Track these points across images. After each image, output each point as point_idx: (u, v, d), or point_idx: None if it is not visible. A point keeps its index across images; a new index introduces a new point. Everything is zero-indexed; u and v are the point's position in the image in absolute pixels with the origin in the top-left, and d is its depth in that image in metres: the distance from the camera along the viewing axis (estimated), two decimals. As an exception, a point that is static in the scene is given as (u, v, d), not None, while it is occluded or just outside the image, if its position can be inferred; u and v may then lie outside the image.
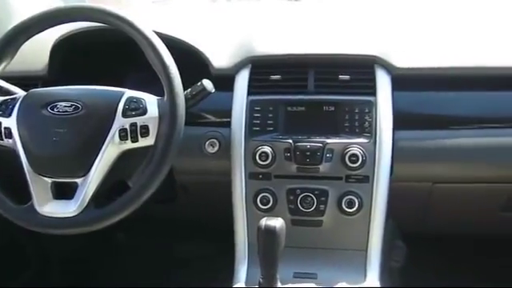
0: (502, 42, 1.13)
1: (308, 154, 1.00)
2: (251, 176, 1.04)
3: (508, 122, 1.06)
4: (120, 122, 0.92)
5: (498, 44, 1.12)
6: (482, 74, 1.07)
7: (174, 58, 0.95)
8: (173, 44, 1.01)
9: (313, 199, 1.01)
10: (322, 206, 1.01)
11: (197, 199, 1.23)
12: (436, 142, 1.06)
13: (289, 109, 1.04)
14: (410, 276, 1.32)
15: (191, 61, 1.10)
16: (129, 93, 0.95)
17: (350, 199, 1.00)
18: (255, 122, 1.04)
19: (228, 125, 1.07)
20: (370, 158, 1.00)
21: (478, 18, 1.27)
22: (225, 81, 1.09)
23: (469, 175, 1.08)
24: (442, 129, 1.06)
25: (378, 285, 0.98)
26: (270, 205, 1.02)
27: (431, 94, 1.09)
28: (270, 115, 1.04)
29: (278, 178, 1.03)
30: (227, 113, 1.08)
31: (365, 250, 1.02)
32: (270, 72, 1.07)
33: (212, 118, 1.13)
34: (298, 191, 1.02)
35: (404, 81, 1.06)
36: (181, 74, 0.95)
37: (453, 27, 1.21)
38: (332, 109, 1.03)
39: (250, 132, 1.04)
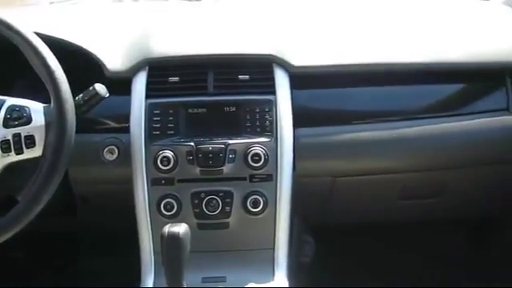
0: (397, 39, 1.18)
1: (210, 156, 0.99)
2: (153, 182, 1.00)
3: (402, 114, 1.12)
4: (1, 133, 0.85)
5: (392, 40, 1.17)
6: (378, 70, 1.11)
7: (64, 62, 0.89)
8: (61, 46, 0.94)
9: (218, 201, 1.00)
10: (227, 208, 1.00)
11: (99, 210, 1.17)
12: (336, 137, 1.09)
13: (189, 111, 1.02)
14: (321, 270, 1.36)
15: (84, 64, 1.04)
16: (10, 101, 0.88)
17: (255, 199, 1.00)
18: (155, 126, 1.01)
19: (127, 130, 1.02)
20: (273, 156, 1.00)
21: (374, 16, 1.32)
22: (121, 84, 1.04)
23: (367, 168, 1.13)
24: (341, 124, 1.10)
25: (286, 283, 1.00)
26: (174, 211, 0.99)
27: (329, 91, 1.13)
28: (171, 118, 1.01)
29: (182, 182, 1.00)
30: (125, 118, 1.03)
31: (272, 248, 1.02)
32: (169, 74, 1.04)
33: (110, 124, 1.08)
34: (203, 194, 1.00)
35: (302, 79, 1.08)
36: (74, 78, 0.89)
37: (349, 25, 1.25)
38: (233, 109, 1.03)
39: (150, 137, 1.00)
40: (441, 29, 1.22)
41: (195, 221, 1.00)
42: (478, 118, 1.12)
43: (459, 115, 1.13)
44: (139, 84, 1.04)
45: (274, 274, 1.01)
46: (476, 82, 1.17)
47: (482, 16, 1.26)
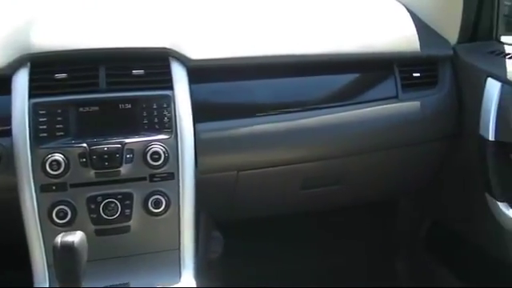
0: (295, 31, 1.18)
1: (106, 157, 0.93)
2: (43, 188, 0.92)
3: (301, 105, 1.13)
4: None
5: (290, 32, 1.17)
6: (277, 62, 1.12)
7: None
8: None
9: (116, 205, 0.94)
10: (127, 211, 0.95)
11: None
12: (238, 130, 1.08)
13: (80, 110, 0.95)
14: (231, 264, 1.36)
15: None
16: None
17: (157, 199, 0.96)
18: (41, 127, 0.92)
19: (9, 133, 0.93)
20: (173, 153, 0.97)
21: (273, 8, 1.32)
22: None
23: (270, 160, 1.13)
24: (244, 117, 1.09)
25: (193, 282, 0.97)
26: (68, 218, 0.92)
27: (229, 84, 1.11)
28: (59, 118, 0.93)
29: (75, 187, 0.93)
30: (6, 120, 0.93)
31: (178, 248, 0.99)
32: (55, 70, 0.96)
33: None
34: (100, 198, 0.93)
35: (201, 72, 1.05)
36: None
37: (247, 17, 1.23)
38: (128, 106, 0.97)
39: (36, 139, 0.92)
40: (336, 22, 1.26)
41: (93, 227, 0.94)
42: (372, 106, 1.17)
43: (354, 104, 1.17)
44: (20, 82, 0.95)
45: (180, 275, 0.98)
46: (369, 72, 1.22)
47: (375, 10, 1.32)
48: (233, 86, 1.11)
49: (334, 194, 1.29)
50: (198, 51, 1.05)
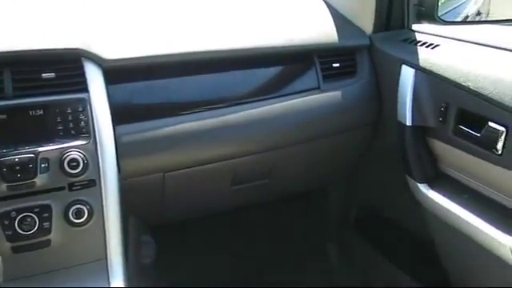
0: (217, 26, 1.17)
1: (18, 168, 0.86)
2: None
3: (226, 101, 1.12)
4: None
5: (212, 28, 1.16)
6: (198, 59, 1.09)
7: None
8: None
9: (34, 218, 0.88)
10: (46, 224, 0.89)
11: None
12: (161, 131, 1.05)
13: None
14: (165, 268, 1.33)
15: None
16: None
17: (78, 209, 0.91)
18: None
19: None
20: (93, 159, 0.92)
21: (194, 4, 1.29)
22: None
23: (197, 159, 1.11)
24: (166, 117, 1.06)
25: None
26: None
27: (150, 83, 1.07)
28: None
29: None
30: None
31: (105, 258, 0.94)
32: None
33: None
34: (14, 213, 0.87)
35: (118, 73, 1.01)
36: None
37: (165, 13, 1.20)
38: (40, 112, 0.91)
39: None
40: (256, 16, 1.25)
41: (8, 244, 0.87)
42: (295, 98, 1.18)
43: (278, 97, 1.17)
44: None
45: (109, 284, 0.93)
46: (290, 65, 1.23)
47: (293, 4, 1.33)
48: (153, 86, 1.07)
49: (265, 187, 1.29)
50: (113, 51, 1.01)
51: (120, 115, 0.99)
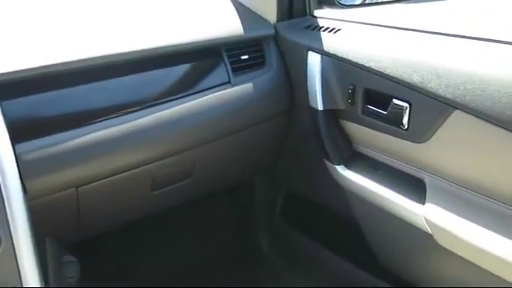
0: (115, 28, 1.12)
1: None
2: None
3: (137, 105, 1.07)
4: None
5: (109, 30, 1.11)
6: (101, 63, 1.04)
7: None
8: None
9: None
10: None
11: None
12: (69, 144, 0.99)
13: None
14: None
15: None
16: None
17: None
18: None
19: None
20: None
21: (85, 6, 1.23)
22: None
23: (112, 168, 1.06)
24: (73, 128, 0.99)
25: None
26: None
27: (52, 94, 1.00)
28: None
29: None
30: None
31: (20, 286, 0.88)
32: None
33: None
34: None
35: (11, 87, 0.93)
36: None
37: (56, 19, 1.13)
38: None
39: None
40: (159, 14, 1.22)
41: None
42: (207, 95, 1.16)
43: (190, 95, 1.15)
44: None
45: None
46: (199, 61, 1.21)
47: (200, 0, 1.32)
48: (53, 97, 1.00)
49: (188, 187, 1.27)
50: (3, 63, 0.93)
51: (19, 132, 0.91)
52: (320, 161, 1.25)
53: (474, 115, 0.90)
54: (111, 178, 1.07)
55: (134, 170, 1.10)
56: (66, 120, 1.00)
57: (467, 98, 0.90)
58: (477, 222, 0.95)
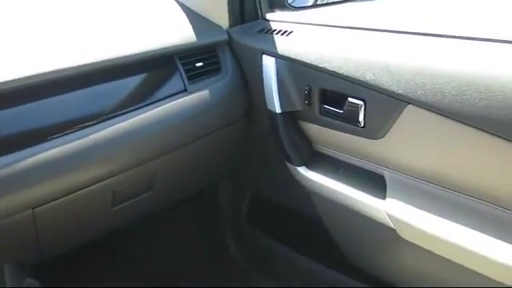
0: (63, 42, 1.08)
1: None
2: None
3: (96, 118, 1.04)
4: None
5: (68, 43, 1.07)
6: (53, 79, 1.00)
7: None
8: None
9: None
10: None
11: None
12: (23, 164, 0.95)
13: None
14: None
15: None
16: None
17: None
18: None
19: None
20: None
21: (32, 18, 1.19)
22: None
23: (70, 185, 1.03)
24: (27, 147, 0.96)
25: None
26: None
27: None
28: None
29: None
30: None
31: None
32: None
33: None
34: None
35: None
36: None
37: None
38: None
39: None
40: (108, 25, 1.19)
41: None
42: (164, 104, 1.15)
43: (147, 105, 1.13)
44: None
45: None
46: (154, 71, 1.19)
47: (145, 7, 1.29)
48: (3, 116, 0.97)
49: (150, 200, 1.25)
50: None
51: None
52: (281, 163, 1.25)
53: (426, 109, 0.92)
54: (69, 196, 1.03)
55: (92, 187, 1.07)
56: (16, 140, 0.96)
57: (418, 92, 0.92)
58: (437, 214, 0.97)
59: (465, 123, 0.88)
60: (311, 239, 1.34)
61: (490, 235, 0.91)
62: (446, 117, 0.90)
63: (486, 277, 0.92)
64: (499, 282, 0.91)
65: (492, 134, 0.85)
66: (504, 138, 0.84)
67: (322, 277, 1.36)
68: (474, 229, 0.93)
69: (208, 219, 1.70)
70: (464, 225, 0.94)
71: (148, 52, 1.14)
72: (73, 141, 1.01)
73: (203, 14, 1.30)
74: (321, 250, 1.33)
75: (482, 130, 0.86)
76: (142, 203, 1.23)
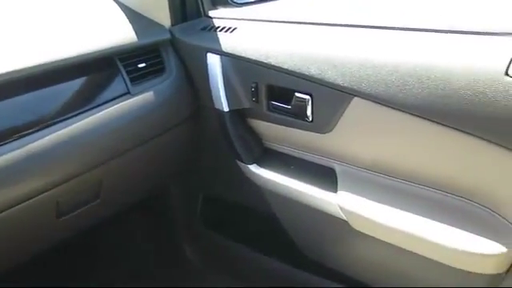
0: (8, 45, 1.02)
1: None
2: None
3: (35, 125, 0.98)
4: None
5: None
6: None
7: None
8: None
9: None
10: None
11: None
12: None
13: None
14: None
15: None
16: None
17: None
18: None
19: None
20: None
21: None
22: None
23: (11, 198, 0.97)
24: None
25: None
26: None
27: None
28: None
29: None
30: None
31: None
32: None
33: None
34: None
35: None
36: None
37: None
38: None
39: None
40: (45, 28, 1.13)
41: None
42: (108, 108, 1.10)
43: (90, 110, 1.08)
44: None
45: None
46: (95, 74, 1.14)
47: (83, 8, 1.24)
48: None
49: (98, 209, 1.20)
50: None
51: None
52: (232, 161, 1.23)
53: (372, 100, 0.93)
54: (10, 210, 0.98)
55: (34, 199, 1.01)
56: None
57: (363, 84, 0.92)
58: (386, 203, 0.99)
59: (409, 113, 0.89)
60: (267, 237, 1.33)
61: (438, 221, 0.93)
62: (391, 107, 0.91)
63: (438, 262, 0.95)
64: (451, 267, 0.94)
65: (435, 122, 0.87)
66: (446, 126, 0.86)
67: (280, 273, 1.36)
68: (423, 216, 0.95)
69: (162, 223, 1.66)
70: (413, 212, 0.96)
71: (87, 54, 1.09)
72: (9, 151, 0.95)
73: (144, 13, 1.26)
74: (277, 247, 1.32)
75: (426, 118, 0.88)
76: (90, 212, 1.18)
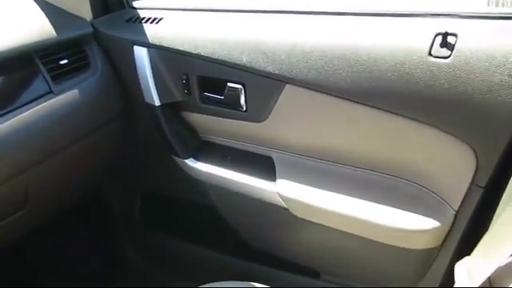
0: None
1: None
2: None
3: None
4: None
5: None
6: None
7: None
8: None
9: None
10: None
11: None
12: None
13: None
14: None
15: None
16: None
17: None
18: None
19: None
20: None
21: None
22: None
23: None
24: None
25: None
26: None
27: None
28: None
29: None
30: None
31: None
32: None
33: None
34: None
35: None
36: None
37: None
38: None
39: None
40: None
41: None
42: (29, 109, 1.03)
43: (8, 113, 1.00)
44: None
45: None
46: (12, 73, 1.05)
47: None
48: None
49: (27, 216, 1.12)
50: None
51: None
52: (168, 157, 1.19)
53: (303, 87, 0.93)
54: None
55: None
56: None
57: (294, 71, 0.92)
58: (323, 187, 0.99)
59: (340, 97, 0.90)
60: (210, 230, 1.31)
61: (373, 201, 0.95)
62: (323, 92, 0.91)
63: (377, 241, 0.96)
64: (390, 245, 0.96)
65: (365, 104, 0.88)
66: (376, 108, 0.87)
67: (227, 266, 1.34)
68: (358, 197, 0.96)
69: (101, 224, 1.59)
70: (348, 195, 0.97)
71: (1, 52, 1.01)
72: None
73: (62, 7, 1.18)
74: (221, 239, 1.30)
75: (356, 101, 0.89)
76: (19, 221, 1.11)
